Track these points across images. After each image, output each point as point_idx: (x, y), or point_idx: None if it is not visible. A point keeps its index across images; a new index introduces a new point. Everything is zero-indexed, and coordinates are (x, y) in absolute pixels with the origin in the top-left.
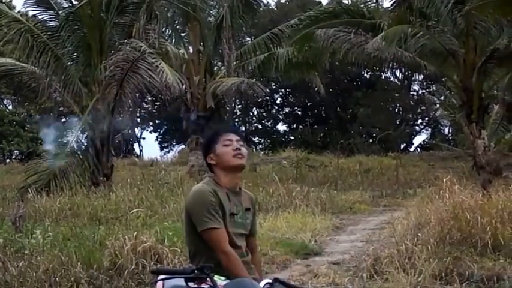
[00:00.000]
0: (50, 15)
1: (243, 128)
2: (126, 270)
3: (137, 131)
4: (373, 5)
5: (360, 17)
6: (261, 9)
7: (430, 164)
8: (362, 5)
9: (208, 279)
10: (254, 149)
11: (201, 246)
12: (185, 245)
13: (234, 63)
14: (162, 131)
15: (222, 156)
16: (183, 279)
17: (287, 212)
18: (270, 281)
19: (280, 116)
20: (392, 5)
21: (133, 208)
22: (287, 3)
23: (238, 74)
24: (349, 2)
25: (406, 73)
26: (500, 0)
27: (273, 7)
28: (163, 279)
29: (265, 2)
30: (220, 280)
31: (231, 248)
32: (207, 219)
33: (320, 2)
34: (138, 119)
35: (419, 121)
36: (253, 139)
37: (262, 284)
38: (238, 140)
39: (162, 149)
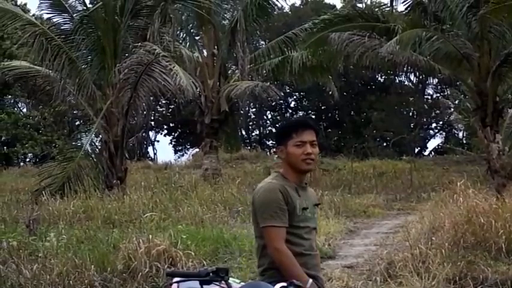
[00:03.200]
0: (64, 18)
1: (257, 132)
2: (140, 273)
3: (151, 134)
4: (387, 8)
5: (374, 20)
6: (275, 12)
7: (444, 168)
8: (376, 9)
9: (223, 282)
10: (268, 153)
11: None
12: (200, 248)
13: (248, 66)
14: (176, 134)
15: (292, 157)
16: (197, 282)
17: None
18: (285, 284)
19: None
20: (406, 8)
21: (147, 211)
22: (301, 7)
23: (252, 78)
24: (364, 5)
25: (420, 77)
26: None
27: (287, 11)
28: (178, 282)
29: (280, 5)
30: (235, 283)
31: (285, 247)
32: (269, 217)
33: (334, 6)
34: (152, 122)
35: (434, 125)
36: (267, 142)
37: (277, 287)
38: (313, 142)
39: (176, 152)
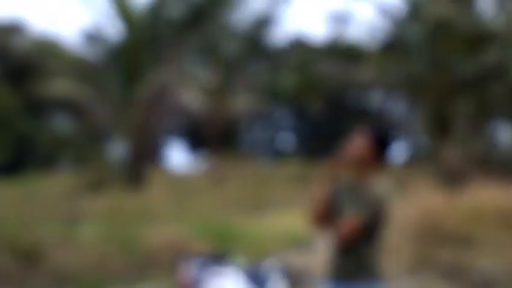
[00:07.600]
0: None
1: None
2: (160, 262)
3: (168, 143)
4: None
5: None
6: None
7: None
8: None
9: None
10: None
11: None
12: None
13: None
14: (188, 145)
15: None
16: (209, 260)
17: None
18: None
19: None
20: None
21: (165, 208)
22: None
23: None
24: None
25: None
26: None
27: None
28: (189, 260)
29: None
30: (241, 262)
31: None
32: None
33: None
34: (168, 134)
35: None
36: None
37: None
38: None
39: (188, 161)
